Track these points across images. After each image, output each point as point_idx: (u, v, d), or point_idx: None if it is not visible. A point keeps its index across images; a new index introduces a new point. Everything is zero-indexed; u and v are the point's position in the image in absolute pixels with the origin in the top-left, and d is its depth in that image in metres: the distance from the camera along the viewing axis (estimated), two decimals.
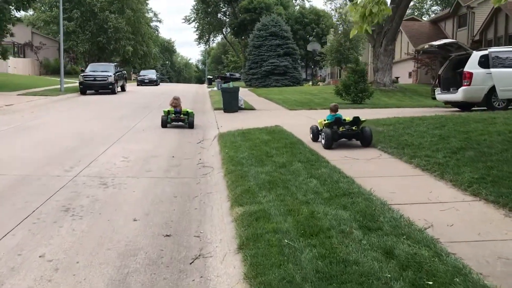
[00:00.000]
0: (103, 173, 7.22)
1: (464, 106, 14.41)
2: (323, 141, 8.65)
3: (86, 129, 12.11)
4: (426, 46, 14.74)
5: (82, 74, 26.87)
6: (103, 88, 26.45)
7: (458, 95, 13.55)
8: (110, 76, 26.59)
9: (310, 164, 6.85)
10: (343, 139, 8.85)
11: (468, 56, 13.60)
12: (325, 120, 9.00)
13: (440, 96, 14.95)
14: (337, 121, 8.75)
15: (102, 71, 27.16)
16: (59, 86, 26.98)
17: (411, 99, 22.25)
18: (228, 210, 5.18)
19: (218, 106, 17.92)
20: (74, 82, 31.33)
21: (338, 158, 7.54)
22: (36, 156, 8.40)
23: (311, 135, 9.34)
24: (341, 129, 8.68)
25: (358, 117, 8.87)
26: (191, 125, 12.67)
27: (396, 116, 12.25)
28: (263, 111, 16.77)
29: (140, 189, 6.41)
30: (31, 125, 12.67)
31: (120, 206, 5.60)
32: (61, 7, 26.65)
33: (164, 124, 12.63)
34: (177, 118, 12.70)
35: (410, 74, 32.96)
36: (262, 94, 25.16)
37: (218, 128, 12.31)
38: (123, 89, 30.10)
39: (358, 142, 8.87)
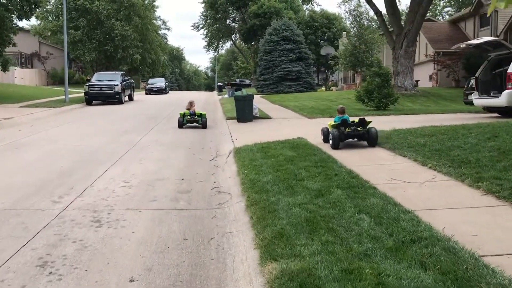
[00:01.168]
0: (97, 205, 5.91)
1: (506, 111, 12.92)
2: (330, 142, 9.15)
3: (86, 145, 10.87)
4: (463, 45, 13.31)
5: (87, 84, 25.80)
6: (110, 98, 25.37)
7: (501, 99, 12.07)
8: (117, 85, 25.49)
9: (353, 192, 5.49)
10: (350, 139, 9.27)
11: (511, 56, 12.15)
12: (334, 122, 9.51)
13: (479, 101, 13.48)
14: (344, 123, 9.24)
15: (108, 80, 26.09)
16: (64, 97, 25.93)
17: (436, 104, 20.80)
18: (257, 265, 3.83)
19: (231, 115, 16.63)
20: (81, 92, 30.27)
21: (384, 181, 6.16)
22: (22, 182, 7.13)
23: (322, 136, 9.81)
24: (347, 129, 9.12)
25: (363, 118, 9.35)
26: (204, 125, 14.14)
27: (433, 125, 10.86)
28: (281, 120, 15.43)
29: (141, 227, 5.09)
30: (26, 142, 11.45)
31: (114, 257, 4.28)
32: (64, 14, 25.67)
33: (181, 125, 14.11)
34: (192, 119, 14.19)
35: (430, 77, 31.41)
36: (277, 101, 23.85)
37: (233, 141, 11.00)
38: (130, 99, 29.02)
39: (365, 143, 9.27)
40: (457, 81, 29.33)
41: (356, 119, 9.40)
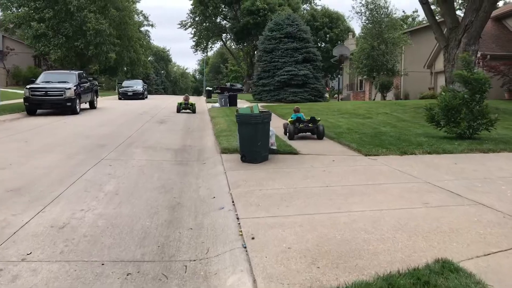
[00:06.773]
0: None
1: None
2: (287, 134, 11.49)
3: None
4: None
5: (28, 86, 18.84)
6: (59, 105, 18.58)
7: None
8: (69, 89, 18.64)
9: None
10: (303, 133, 11.52)
11: None
12: (291, 119, 11.77)
13: None
14: (298, 120, 11.53)
15: (58, 82, 19.27)
16: (9, 102, 19.07)
17: None
18: None
19: (229, 144, 9.95)
20: None
21: None
22: None
23: (284, 129, 12.08)
24: (301, 125, 11.43)
25: (314, 117, 11.47)
26: (194, 111, 20.85)
27: None
28: (322, 160, 8.68)
29: None
30: None
31: None
32: None
33: (178, 110, 20.84)
34: (186, 107, 20.94)
35: None
36: (287, 115, 17.13)
37: (245, 248, 4.34)
38: (92, 106, 22.20)
39: (315, 136, 11.38)
40: None
41: (308, 117, 11.57)
